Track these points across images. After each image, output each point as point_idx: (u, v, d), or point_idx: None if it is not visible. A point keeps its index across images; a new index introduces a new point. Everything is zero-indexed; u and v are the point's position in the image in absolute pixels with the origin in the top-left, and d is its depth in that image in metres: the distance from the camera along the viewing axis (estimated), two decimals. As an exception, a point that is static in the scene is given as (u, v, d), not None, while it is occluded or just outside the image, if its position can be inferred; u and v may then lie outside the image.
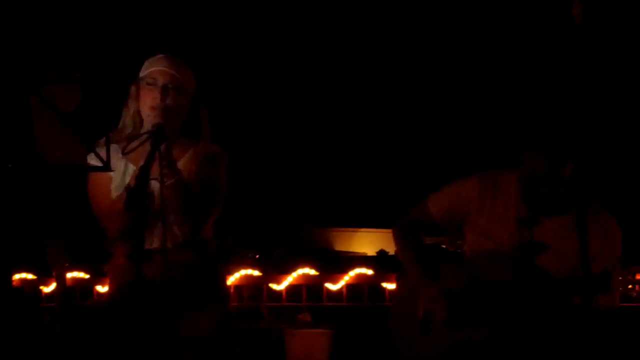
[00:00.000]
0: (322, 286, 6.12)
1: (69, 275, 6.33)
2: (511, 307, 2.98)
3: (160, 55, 3.00)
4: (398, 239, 3.33)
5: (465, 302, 3.07)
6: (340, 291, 6.08)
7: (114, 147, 2.83)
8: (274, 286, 6.15)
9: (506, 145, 3.34)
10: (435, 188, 3.32)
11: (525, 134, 3.08)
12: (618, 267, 3.01)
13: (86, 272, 6.56)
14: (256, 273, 6.22)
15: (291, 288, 6.16)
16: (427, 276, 3.17)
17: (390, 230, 3.35)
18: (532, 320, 2.97)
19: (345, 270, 6.12)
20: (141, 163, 2.65)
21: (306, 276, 6.13)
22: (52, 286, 6.31)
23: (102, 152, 2.61)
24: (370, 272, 6.05)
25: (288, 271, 6.20)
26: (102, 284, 6.31)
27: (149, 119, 2.91)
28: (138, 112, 2.98)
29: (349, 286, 6.08)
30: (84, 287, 6.54)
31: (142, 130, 2.90)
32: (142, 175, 2.58)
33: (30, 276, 6.64)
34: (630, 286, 2.89)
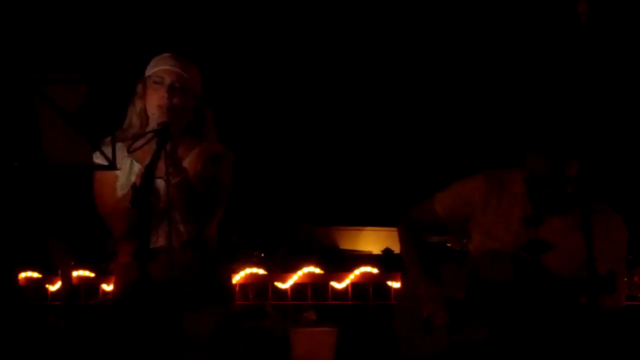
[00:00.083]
0: (327, 285, 6.12)
1: (75, 273, 6.35)
2: (514, 307, 2.98)
3: (167, 54, 3.00)
4: (402, 238, 3.33)
5: (465, 306, 3.06)
6: (345, 290, 6.08)
7: (119, 146, 2.84)
8: (279, 285, 6.16)
9: (510, 145, 3.34)
10: (440, 187, 3.32)
11: (526, 134, 3.07)
12: (623, 268, 3.00)
13: (91, 271, 6.57)
14: (261, 272, 6.22)
15: (296, 287, 6.17)
16: (428, 278, 3.17)
17: (395, 229, 3.35)
18: (536, 320, 2.96)
19: (350, 269, 6.12)
20: (147, 162, 2.65)
21: (311, 275, 6.13)
22: (58, 285, 6.33)
23: (108, 151, 2.61)
24: (375, 270, 6.04)
25: (293, 270, 6.20)
26: (108, 283, 6.32)
27: (155, 117, 2.92)
28: (144, 111, 2.98)
29: (354, 285, 6.08)
30: (90, 286, 6.55)
31: (148, 129, 2.91)
32: (148, 174, 2.59)
33: (35, 275, 6.65)
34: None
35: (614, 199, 3.27)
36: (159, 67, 2.96)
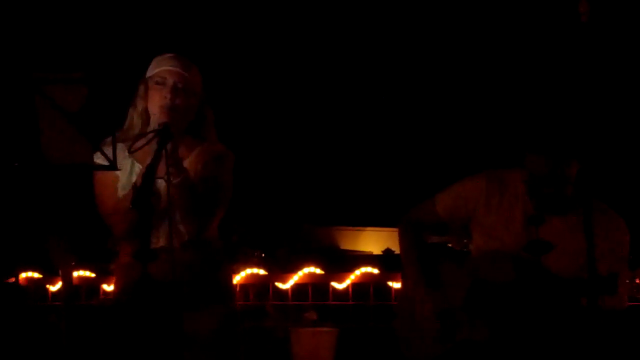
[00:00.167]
0: (327, 285, 6.12)
1: (75, 274, 6.35)
2: (515, 308, 2.98)
3: (169, 55, 3.00)
4: (402, 239, 3.33)
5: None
6: (346, 290, 6.08)
7: (120, 146, 2.84)
8: (280, 285, 6.16)
9: (510, 146, 3.34)
10: (441, 187, 3.32)
11: (526, 135, 3.07)
12: (625, 268, 3.00)
13: (92, 271, 6.57)
14: (262, 272, 6.22)
15: (297, 287, 6.17)
16: (424, 280, 3.17)
17: (395, 230, 3.35)
18: (537, 320, 2.96)
19: (351, 269, 6.12)
20: (147, 162, 2.65)
21: (312, 275, 6.13)
22: (59, 285, 6.32)
23: (109, 151, 2.61)
24: (376, 271, 6.04)
25: (294, 270, 6.20)
26: (108, 283, 6.32)
27: (155, 117, 2.91)
28: (146, 112, 2.98)
29: (354, 285, 6.08)
30: (90, 286, 6.55)
31: (149, 129, 2.91)
32: (149, 174, 2.58)
33: (36, 275, 6.65)
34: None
35: (614, 199, 3.26)
36: (161, 68, 2.96)
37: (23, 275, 6.62)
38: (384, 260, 7.06)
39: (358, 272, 6.06)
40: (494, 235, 3.14)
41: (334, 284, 6.08)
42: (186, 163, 2.93)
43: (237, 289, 5.97)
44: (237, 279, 6.06)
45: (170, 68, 2.95)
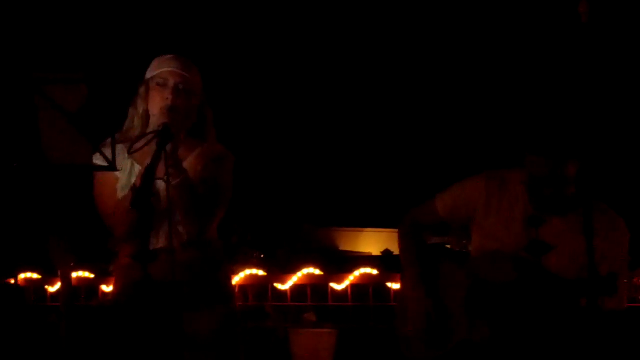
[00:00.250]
0: (327, 286, 6.13)
1: (75, 274, 6.35)
2: (515, 308, 2.98)
3: (170, 56, 3.00)
4: (402, 239, 3.33)
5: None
6: (345, 291, 6.08)
7: (120, 147, 2.84)
8: (279, 286, 6.16)
9: (510, 146, 3.33)
10: (441, 188, 3.32)
11: (526, 136, 3.07)
12: (625, 269, 3.00)
13: (91, 272, 6.57)
14: (261, 273, 6.22)
15: (296, 288, 6.17)
16: (421, 282, 3.17)
17: (395, 231, 3.35)
18: (537, 321, 2.96)
19: (350, 270, 6.12)
20: (147, 162, 2.65)
21: (311, 276, 6.14)
22: (58, 286, 6.33)
23: (108, 152, 2.61)
24: (375, 272, 6.05)
25: (293, 271, 6.20)
26: (108, 284, 6.32)
27: (156, 118, 2.91)
28: (146, 112, 2.97)
29: (354, 286, 6.08)
30: (89, 287, 6.56)
31: (149, 130, 2.90)
32: (148, 175, 2.58)
33: (35, 276, 6.65)
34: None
35: (614, 199, 3.26)
36: (163, 69, 2.95)
37: (22, 276, 6.62)
38: (384, 261, 7.07)
39: (357, 273, 6.06)
40: (494, 236, 3.14)
41: (333, 285, 6.08)
42: (186, 164, 2.93)
43: (237, 289, 5.97)
44: (237, 279, 6.06)
45: (172, 69, 2.94)
